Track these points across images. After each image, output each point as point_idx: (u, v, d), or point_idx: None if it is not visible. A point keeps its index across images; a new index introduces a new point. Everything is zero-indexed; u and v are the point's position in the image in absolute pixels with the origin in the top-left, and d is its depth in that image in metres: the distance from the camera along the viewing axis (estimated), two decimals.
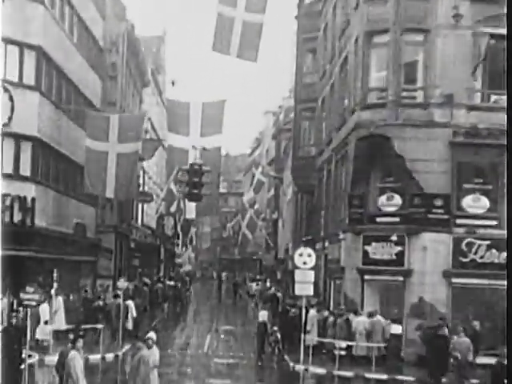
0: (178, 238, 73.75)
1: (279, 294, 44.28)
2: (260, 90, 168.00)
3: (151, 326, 37.45)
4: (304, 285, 26.52)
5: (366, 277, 28.18)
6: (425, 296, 26.80)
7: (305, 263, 26.62)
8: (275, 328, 31.23)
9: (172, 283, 53.39)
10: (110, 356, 26.90)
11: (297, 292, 27.02)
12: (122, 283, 29.70)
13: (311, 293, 27.04)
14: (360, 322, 26.46)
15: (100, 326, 27.15)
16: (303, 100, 40.44)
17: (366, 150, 27.96)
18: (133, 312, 31.35)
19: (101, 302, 32.18)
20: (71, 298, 29.20)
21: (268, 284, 61.50)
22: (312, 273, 26.83)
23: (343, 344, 26.03)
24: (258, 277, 74.34)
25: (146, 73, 50.47)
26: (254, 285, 67.53)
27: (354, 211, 28.52)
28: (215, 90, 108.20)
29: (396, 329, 25.93)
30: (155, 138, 63.45)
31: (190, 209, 58.59)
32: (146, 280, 51.76)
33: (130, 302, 31.64)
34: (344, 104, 31.32)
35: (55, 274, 26.11)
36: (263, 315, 29.90)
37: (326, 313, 28.50)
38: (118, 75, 40.99)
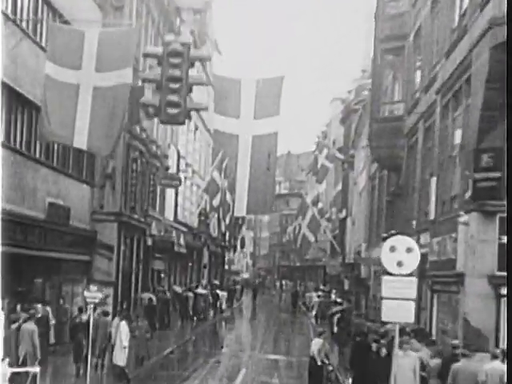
0: (225, 240, 62.04)
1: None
2: (326, 74, 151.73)
3: (164, 354, 25.97)
4: (399, 304, 14.45)
5: (506, 291, 16.05)
6: None
7: (400, 265, 14.55)
8: (330, 367, 19.82)
9: (204, 292, 41.98)
10: None
11: (385, 317, 14.89)
12: (92, 294, 18.29)
13: (411, 319, 14.95)
14: (495, 370, 14.13)
15: (35, 369, 15.57)
16: (387, 38, 28.30)
17: (506, 69, 15.84)
18: (122, 339, 20.00)
19: (84, 317, 21.11)
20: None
21: (333, 296, 50.18)
22: (414, 283, 14.81)
23: None
24: (321, 287, 62.35)
25: (173, 17, 38.81)
26: (314, 295, 56.54)
27: (484, 177, 16.41)
28: (270, 69, 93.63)
29: None
30: (198, 122, 52.30)
31: (240, 205, 47.10)
32: (177, 288, 40.75)
33: (124, 324, 20.28)
34: (462, 7, 19.22)
35: None
36: (316, 344, 19.38)
37: (426, 353, 16.19)
38: (125, 8, 29.52)
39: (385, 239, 27.75)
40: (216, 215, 52.67)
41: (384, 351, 16.35)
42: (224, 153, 46.93)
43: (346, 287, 53.57)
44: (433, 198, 20.68)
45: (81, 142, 18.72)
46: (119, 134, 18.99)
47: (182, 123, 15.17)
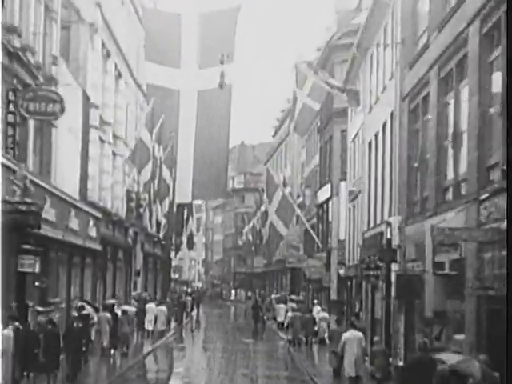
0: (166, 238, 45.91)
1: None
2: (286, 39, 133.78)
3: None
4: None
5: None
6: None
7: None
8: None
9: (129, 308, 26.52)
10: None
11: None
12: None
13: None
14: None
15: None
16: None
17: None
18: None
19: None
20: None
21: (318, 308, 35.55)
22: None
23: None
24: (292, 296, 46.90)
25: None
26: (282, 307, 43.03)
27: None
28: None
29: None
30: (122, 68, 36.48)
31: (183, 186, 31.80)
32: (87, 308, 24.52)
33: None
34: None
35: None
36: None
37: None
38: None
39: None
40: (147, 197, 36.84)
41: None
42: (157, 107, 33.66)
43: (334, 297, 38.55)
44: None
45: None
46: None
47: None
